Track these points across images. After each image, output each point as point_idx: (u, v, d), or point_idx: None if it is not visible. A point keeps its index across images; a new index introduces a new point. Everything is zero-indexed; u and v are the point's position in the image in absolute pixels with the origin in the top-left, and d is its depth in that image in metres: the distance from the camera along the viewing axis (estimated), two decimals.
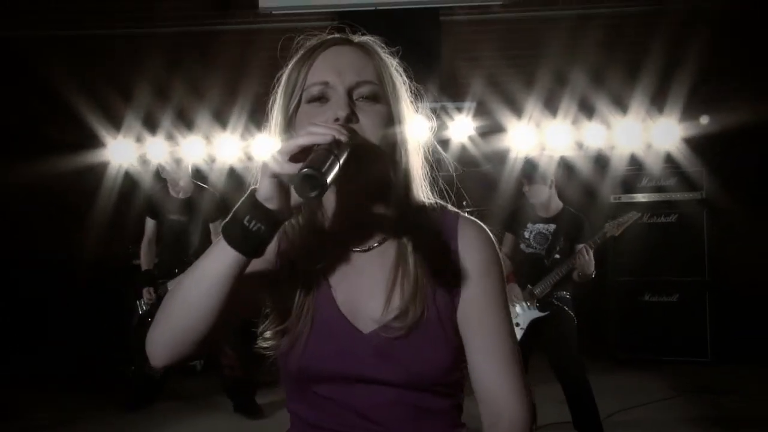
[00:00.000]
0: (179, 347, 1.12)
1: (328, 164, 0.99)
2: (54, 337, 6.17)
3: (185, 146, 6.28)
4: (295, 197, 1.06)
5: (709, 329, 5.73)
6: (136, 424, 4.63)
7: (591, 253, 3.85)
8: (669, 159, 6.13)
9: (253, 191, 1.06)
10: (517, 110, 6.29)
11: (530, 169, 4.14)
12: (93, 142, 6.39)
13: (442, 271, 1.23)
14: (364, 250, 1.25)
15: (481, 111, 6.38)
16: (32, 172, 5.78)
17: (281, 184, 1.04)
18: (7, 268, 6.20)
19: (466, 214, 1.31)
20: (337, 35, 1.25)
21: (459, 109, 6.36)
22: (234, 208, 1.07)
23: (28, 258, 6.28)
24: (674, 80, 6.02)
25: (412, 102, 1.28)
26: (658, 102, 6.17)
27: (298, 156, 1.03)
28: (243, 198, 1.07)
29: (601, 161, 6.33)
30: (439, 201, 1.32)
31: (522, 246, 4.16)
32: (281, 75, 1.25)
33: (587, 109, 6.26)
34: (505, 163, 6.21)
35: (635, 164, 6.20)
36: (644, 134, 6.25)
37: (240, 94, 6.21)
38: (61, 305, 6.24)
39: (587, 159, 6.39)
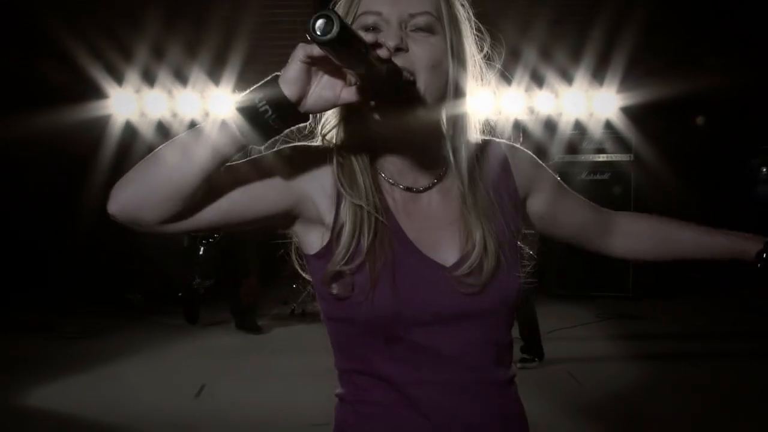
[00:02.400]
0: (140, 199, 0.99)
1: (354, 38, 0.89)
2: (71, 268, 6.72)
3: (181, 101, 6.93)
4: (318, 97, 0.97)
5: (631, 269, 6.73)
6: (150, 338, 5.41)
7: None
8: (608, 125, 6.95)
9: (276, 75, 0.96)
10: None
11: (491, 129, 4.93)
12: (96, 93, 6.83)
13: (503, 195, 1.22)
14: (424, 189, 1.18)
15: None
16: (37, 122, 6.01)
17: (308, 73, 0.95)
18: (22, 210, 6.67)
19: (509, 142, 1.30)
20: None
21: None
22: (249, 90, 0.96)
23: (38, 201, 6.72)
24: (614, 55, 6.68)
25: (475, 42, 1.19)
26: (599, 75, 6.90)
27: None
28: (262, 82, 0.96)
29: (550, 125, 7.13)
30: (484, 137, 1.26)
31: None
32: (336, 2, 1.14)
33: (538, 79, 7.00)
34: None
35: (579, 129, 7.04)
36: (587, 103, 7.02)
37: (233, 50, 6.67)
38: (71, 244, 6.67)
39: (538, 123, 7.20)
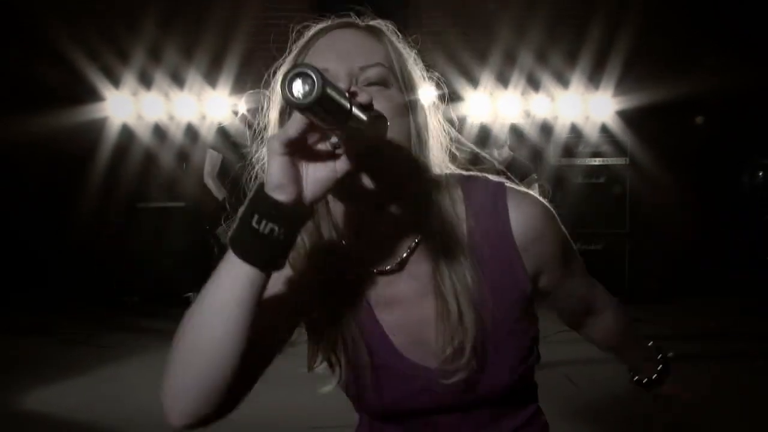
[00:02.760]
0: (199, 401, 0.86)
1: (335, 91, 0.77)
2: (69, 270, 6.69)
3: (177, 104, 6.93)
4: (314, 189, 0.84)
5: (627, 273, 6.72)
6: (149, 339, 5.37)
7: None
8: (604, 129, 6.94)
9: (260, 185, 0.84)
10: (473, 81, 7.03)
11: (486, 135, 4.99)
12: (92, 96, 6.83)
13: (498, 257, 1.06)
14: (394, 270, 1.04)
15: (441, 80, 7.09)
16: (34, 123, 6.07)
17: (293, 164, 0.82)
18: (21, 211, 6.64)
19: (511, 184, 1.11)
20: (341, 20, 1.05)
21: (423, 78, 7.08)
22: (238, 216, 0.85)
23: (36, 203, 6.70)
24: (610, 59, 6.81)
25: (421, 71, 1.10)
26: (595, 78, 6.94)
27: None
28: (248, 196, 0.85)
29: (545, 129, 7.14)
30: (474, 173, 1.12)
31: None
32: (277, 68, 1.06)
33: (534, 83, 7.04)
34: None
35: (575, 132, 7.04)
36: (583, 106, 7.02)
37: (230, 53, 6.80)
38: (69, 246, 6.71)
39: (534, 126, 7.23)
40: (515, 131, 6.92)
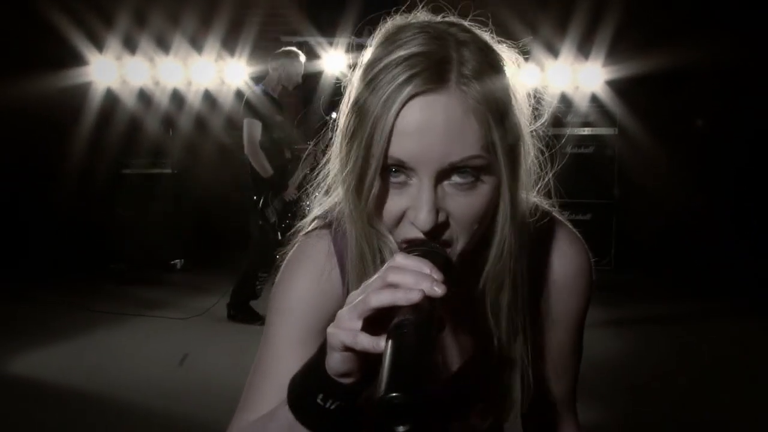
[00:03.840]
0: None
1: (425, 357, 0.63)
2: (53, 237, 6.61)
3: (163, 69, 6.85)
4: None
5: (614, 243, 6.77)
6: (133, 307, 5.38)
7: None
8: (593, 99, 6.91)
9: (320, 362, 0.76)
10: None
11: None
12: (76, 60, 6.72)
13: (539, 309, 1.01)
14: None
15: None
16: (15, 88, 5.88)
17: (357, 354, 0.71)
18: (1, 179, 6.45)
19: (565, 222, 1.04)
20: (424, 71, 0.79)
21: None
22: (299, 382, 0.79)
23: (17, 170, 6.51)
24: (600, 29, 6.72)
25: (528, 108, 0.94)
26: (585, 48, 6.89)
27: (375, 319, 0.70)
28: (307, 370, 0.78)
29: (535, 99, 7.13)
30: (550, 209, 1.03)
31: None
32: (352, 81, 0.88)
33: (524, 53, 6.98)
34: None
35: (565, 102, 7.00)
36: (573, 76, 6.98)
37: (216, 18, 6.69)
38: (53, 213, 6.63)
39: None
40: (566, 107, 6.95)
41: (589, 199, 6.75)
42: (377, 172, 0.80)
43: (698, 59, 6.07)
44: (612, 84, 6.90)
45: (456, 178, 0.80)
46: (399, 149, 0.79)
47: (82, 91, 6.81)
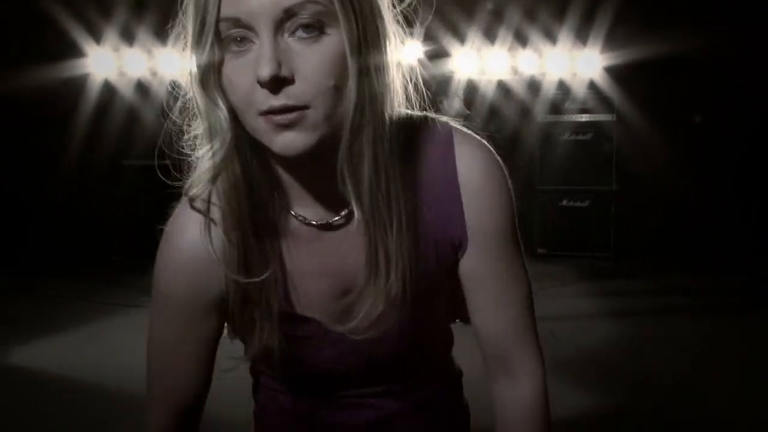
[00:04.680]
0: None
1: None
2: (53, 229, 6.60)
3: (161, 60, 6.82)
4: None
5: (613, 230, 6.77)
6: (132, 299, 5.36)
7: None
8: (591, 85, 6.90)
9: None
10: (461, 37, 6.95)
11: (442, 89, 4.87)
12: (73, 52, 6.66)
13: (441, 222, 0.91)
14: (323, 228, 0.91)
15: (428, 36, 7.04)
16: (12, 80, 5.87)
17: None
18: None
19: (460, 127, 0.94)
20: None
21: (409, 34, 7.02)
22: None
23: (16, 162, 6.46)
24: (598, 15, 6.66)
25: (396, 22, 0.88)
26: (583, 34, 6.84)
27: None
28: None
29: (533, 86, 7.11)
30: (420, 113, 0.94)
31: None
32: None
33: (522, 39, 6.96)
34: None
35: (563, 89, 7.01)
36: (571, 63, 6.96)
37: None
38: (52, 205, 6.61)
39: (521, 83, 7.20)
40: (471, 89, 6.94)
41: (588, 186, 6.76)
42: (214, 39, 0.76)
43: (698, 46, 6.06)
44: (610, 70, 6.87)
45: (300, 33, 0.76)
46: (229, 6, 0.75)
47: (79, 83, 6.77)
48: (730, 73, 6.42)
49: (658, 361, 3.96)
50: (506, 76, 7.19)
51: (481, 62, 7.06)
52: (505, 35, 6.89)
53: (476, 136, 0.94)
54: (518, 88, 7.21)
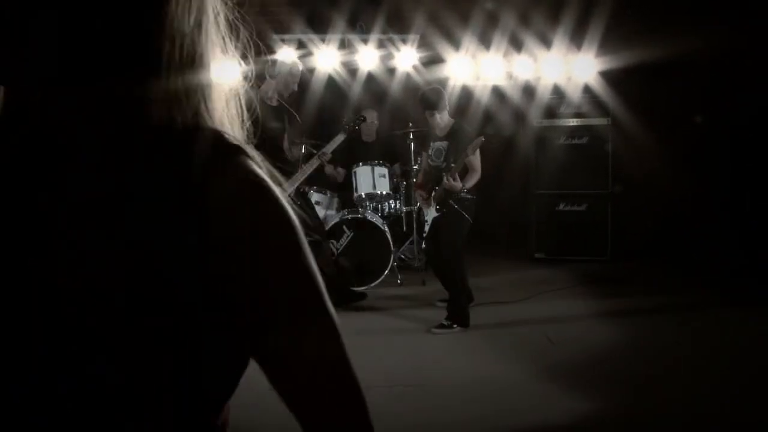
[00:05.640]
0: None
1: None
2: None
3: None
4: None
5: (609, 233, 6.76)
6: None
7: (451, 179, 4.57)
8: (586, 89, 6.89)
9: None
10: (455, 43, 6.98)
11: (426, 100, 4.87)
12: None
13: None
14: None
15: (423, 43, 7.07)
16: None
17: None
18: None
19: (254, 169, 0.71)
20: None
21: (404, 41, 7.04)
22: None
23: None
24: (592, 19, 6.68)
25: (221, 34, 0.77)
26: (577, 39, 6.86)
27: None
28: None
29: (528, 90, 7.12)
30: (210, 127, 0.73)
31: (429, 161, 5.04)
32: None
33: (516, 44, 6.98)
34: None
35: (557, 93, 7.00)
36: (566, 67, 6.98)
37: None
38: None
39: (516, 88, 7.22)
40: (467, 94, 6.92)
41: (584, 190, 6.75)
42: None
43: (694, 48, 6.04)
44: (605, 74, 6.88)
45: None
46: None
47: None
48: (726, 75, 6.42)
49: (657, 364, 3.95)
50: (501, 81, 7.22)
51: (476, 68, 7.07)
52: (500, 40, 6.91)
53: (263, 181, 0.72)
54: (513, 92, 7.24)
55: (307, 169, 5.06)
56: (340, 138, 5.15)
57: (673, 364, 3.93)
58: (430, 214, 4.95)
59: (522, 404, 3.39)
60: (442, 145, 4.88)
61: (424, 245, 5.36)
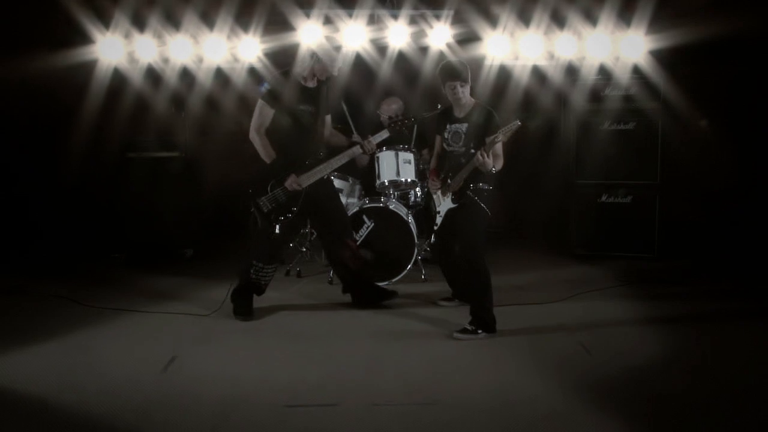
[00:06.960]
0: None
1: None
2: (58, 222, 6.46)
3: (173, 46, 6.52)
4: None
5: (657, 229, 6.28)
6: (128, 303, 5.06)
7: (485, 156, 4.10)
8: (635, 70, 6.41)
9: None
10: (492, 20, 6.53)
11: (449, 68, 4.40)
12: (81, 38, 6.41)
13: None
14: None
15: (458, 19, 6.65)
16: (20, 67, 5.81)
17: None
18: (6, 158, 6.38)
19: None
20: None
21: (437, 17, 6.63)
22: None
23: (17, 149, 6.44)
24: None
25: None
26: (626, 15, 6.39)
27: None
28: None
29: (571, 71, 6.65)
30: None
31: (444, 145, 4.55)
32: None
33: (559, 20, 6.53)
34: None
35: (603, 74, 6.51)
36: (613, 46, 6.49)
37: None
38: (58, 196, 6.52)
39: (558, 68, 6.75)
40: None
41: (630, 180, 6.30)
42: None
43: (752, 27, 5.71)
44: (656, 54, 6.40)
45: None
46: None
47: (87, 69, 6.49)
48: None
49: (695, 379, 3.45)
50: (542, 60, 6.76)
51: (515, 46, 6.62)
52: (540, 16, 6.47)
53: None
54: (555, 73, 6.79)
55: (347, 155, 4.69)
56: (384, 134, 4.74)
57: (731, 379, 3.43)
58: (444, 204, 4.51)
59: (547, 424, 2.95)
60: (461, 127, 4.42)
61: (433, 239, 4.85)
